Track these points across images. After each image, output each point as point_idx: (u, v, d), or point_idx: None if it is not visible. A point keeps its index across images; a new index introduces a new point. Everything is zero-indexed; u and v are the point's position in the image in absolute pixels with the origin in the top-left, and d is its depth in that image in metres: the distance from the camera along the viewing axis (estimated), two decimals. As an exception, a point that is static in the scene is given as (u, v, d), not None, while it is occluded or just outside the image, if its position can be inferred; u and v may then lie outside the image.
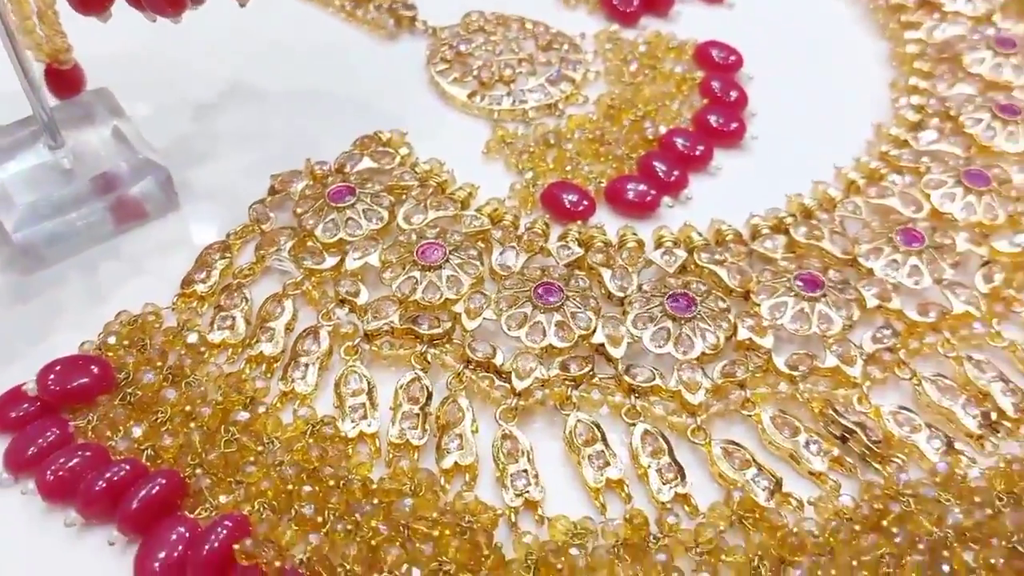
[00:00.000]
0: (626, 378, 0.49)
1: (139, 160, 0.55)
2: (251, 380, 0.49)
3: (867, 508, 0.46)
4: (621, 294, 0.53)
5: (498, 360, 0.50)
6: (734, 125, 0.62)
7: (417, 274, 0.52)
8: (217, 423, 0.48)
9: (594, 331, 0.51)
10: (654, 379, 0.49)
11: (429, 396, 0.49)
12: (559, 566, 0.43)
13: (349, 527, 0.44)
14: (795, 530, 0.45)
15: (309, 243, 0.55)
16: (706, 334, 0.51)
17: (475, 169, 0.60)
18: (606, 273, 0.53)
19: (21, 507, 0.46)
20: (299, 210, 0.56)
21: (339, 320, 0.52)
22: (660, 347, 0.50)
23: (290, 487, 0.45)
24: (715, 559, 0.44)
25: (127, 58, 0.62)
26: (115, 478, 0.45)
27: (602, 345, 0.51)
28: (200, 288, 0.53)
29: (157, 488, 0.45)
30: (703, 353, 0.50)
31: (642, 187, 0.59)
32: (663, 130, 0.62)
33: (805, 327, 0.51)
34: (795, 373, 0.50)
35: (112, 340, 0.50)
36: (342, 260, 0.54)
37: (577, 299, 0.52)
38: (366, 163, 0.59)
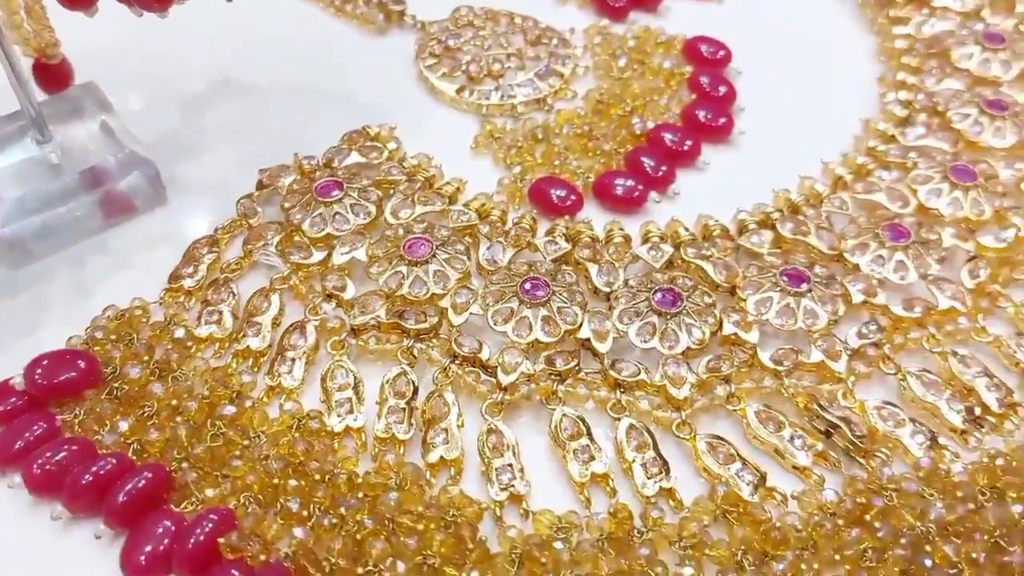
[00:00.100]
0: (612, 373, 0.50)
1: (127, 155, 0.55)
2: (238, 374, 0.49)
3: (850, 502, 0.46)
4: (608, 289, 0.53)
5: (484, 355, 0.50)
6: (722, 120, 0.62)
7: (404, 269, 0.52)
8: (203, 417, 0.48)
9: (580, 326, 0.51)
10: (639, 374, 0.50)
11: (415, 391, 0.49)
12: (543, 560, 0.43)
13: (334, 521, 0.44)
14: (778, 524, 0.45)
15: (296, 238, 0.55)
16: (692, 329, 0.51)
17: (463, 164, 0.60)
18: (593, 268, 0.54)
19: (8, 500, 0.46)
20: (287, 205, 0.56)
21: (326, 315, 0.52)
22: (646, 342, 0.50)
23: (276, 481, 0.45)
24: (699, 553, 0.44)
25: (115, 53, 0.62)
26: (101, 472, 0.45)
27: (588, 340, 0.51)
28: (187, 283, 0.53)
29: (143, 482, 0.45)
30: (688, 348, 0.50)
31: (630, 182, 0.59)
32: (651, 125, 0.62)
33: (790, 322, 0.51)
34: (780, 368, 0.50)
35: (99, 334, 0.50)
36: (329, 255, 0.54)
37: (564, 294, 0.52)
38: (354, 158, 0.59)
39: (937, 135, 0.61)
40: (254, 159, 0.59)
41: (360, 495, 0.45)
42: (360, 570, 0.43)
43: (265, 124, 0.62)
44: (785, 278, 0.52)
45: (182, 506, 0.45)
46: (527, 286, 0.52)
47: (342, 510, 0.44)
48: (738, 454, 0.47)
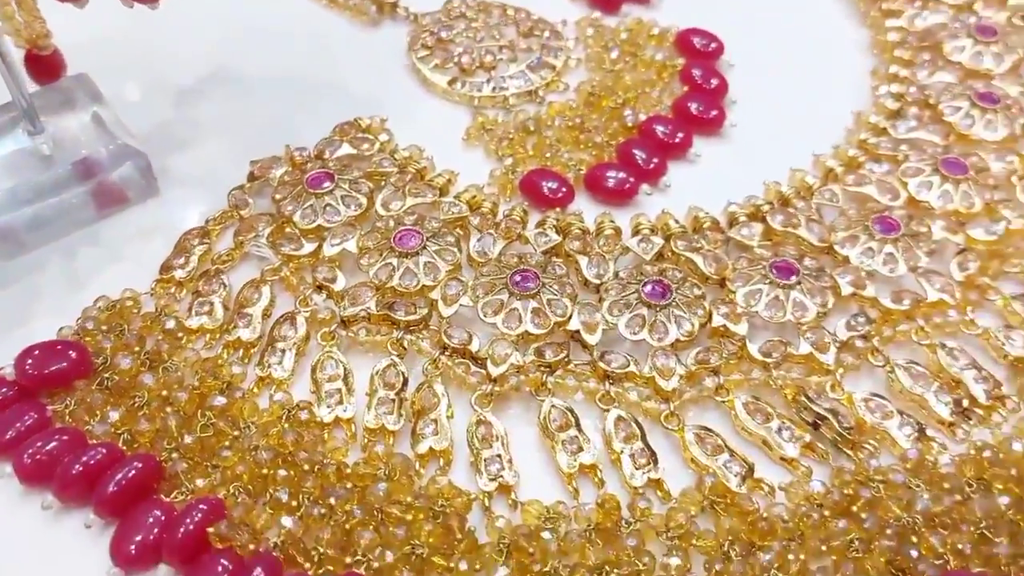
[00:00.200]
0: (601, 364, 0.50)
1: (119, 146, 0.55)
2: (228, 365, 0.50)
3: (838, 494, 0.46)
4: (598, 281, 0.53)
5: (474, 346, 0.50)
6: (714, 113, 0.62)
7: (394, 261, 0.53)
8: (194, 408, 0.48)
9: (570, 318, 0.51)
10: (628, 365, 0.50)
11: (405, 382, 0.49)
12: (531, 550, 0.44)
13: (323, 511, 0.44)
14: (765, 515, 0.45)
15: (287, 229, 0.55)
16: (681, 321, 0.51)
17: (455, 156, 0.61)
18: (583, 260, 0.54)
19: (-1, 490, 0.47)
20: (278, 196, 0.56)
21: (316, 306, 0.52)
22: (635, 334, 0.51)
23: (265, 471, 0.46)
24: (686, 543, 0.45)
25: (107, 44, 0.62)
26: (92, 462, 0.45)
27: (578, 332, 0.51)
28: (179, 274, 0.53)
29: (133, 472, 0.45)
30: (678, 340, 0.50)
31: (621, 174, 0.59)
32: (643, 117, 0.62)
33: (779, 314, 0.52)
34: (769, 360, 0.50)
35: (90, 325, 0.51)
36: (320, 246, 0.54)
37: (554, 286, 0.52)
38: (345, 149, 0.59)
39: (928, 128, 0.61)
40: (246, 150, 0.59)
41: (349, 485, 0.45)
42: (348, 560, 0.43)
43: (257, 115, 0.62)
44: (774, 270, 0.53)
45: (172, 496, 0.46)
46: (517, 278, 0.52)
47: (331, 500, 0.45)
48: (726, 445, 0.48)
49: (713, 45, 0.66)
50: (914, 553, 0.44)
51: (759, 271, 0.53)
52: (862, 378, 0.51)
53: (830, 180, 0.59)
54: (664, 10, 0.71)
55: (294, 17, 0.69)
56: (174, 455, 0.47)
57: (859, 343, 0.51)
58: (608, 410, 0.49)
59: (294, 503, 0.45)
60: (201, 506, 0.44)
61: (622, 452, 0.47)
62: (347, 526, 0.44)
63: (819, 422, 0.49)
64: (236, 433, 0.47)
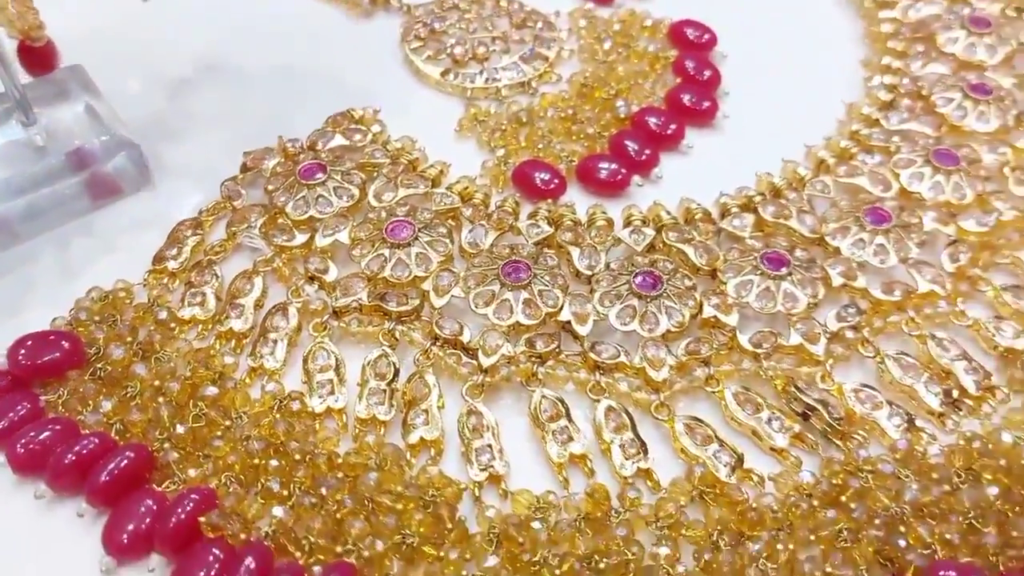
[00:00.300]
0: (592, 355, 0.50)
1: (112, 137, 0.56)
2: (220, 356, 0.50)
3: (827, 484, 0.46)
4: (589, 272, 0.53)
5: (465, 337, 0.50)
6: (706, 104, 0.63)
7: (386, 252, 0.53)
8: (186, 398, 0.48)
9: (561, 309, 0.51)
10: (619, 356, 0.50)
11: (396, 372, 0.49)
12: (521, 539, 0.44)
13: (314, 501, 0.45)
14: (755, 505, 0.45)
15: (280, 220, 0.55)
16: (672, 312, 0.51)
17: (448, 147, 0.61)
18: (575, 251, 0.54)
19: (-9, 479, 0.47)
20: (270, 187, 0.56)
21: (308, 297, 0.52)
22: (626, 325, 0.51)
23: (257, 461, 0.46)
24: (675, 533, 0.45)
25: (100, 35, 0.62)
26: (84, 451, 0.46)
27: (569, 322, 0.51)
28: (171, 265, 0.53)
29: (125, 461, 0.45)
30: (668, 331, 0.51)
31: (613, 166, 0.59)
32: (635, 108, 0.62)
33: (770, 305, 0.52)
34: (759, 351, 0.50)
35: (83, 316, 0.51)
36: (312, 237, 0.54)
37: (545, 277, 0.52)
38: (338, 140, 0.59)
39: (920, 119, 0.61)
40: (239, 142, 0.59)
41: (340, 475, 0.46)
42: (339, 549, 0.43)
43: (250, 107, 0.63)
44: (765, 262, 0.53)
45: (164, 486, 0.46)
46: (509, 269, 0.52)
47: (322, 490, 0.45)
48: (716, 435, 0.48)
49: (706, 36, 0.66)
50: (902, 543, 0.44)
51: (750, 262, 0.53)
52: (852, 369, 0.51)
53: (822, 171, 0.59)
54: (657, 1, 0.70)
55: (288, 8, 0.69)
56: (166, 445, 0.47)
57: (849, 334, 0.52)
58: (598, 400, 0.49)
59: (285, 493, 0.45)
60: (193, 496, 0.44)
61: (612, 442, 0.48)
62: (338, 516, 0.44)
63: (809, 412, 0.49)
64: (228, 423, 0.47)
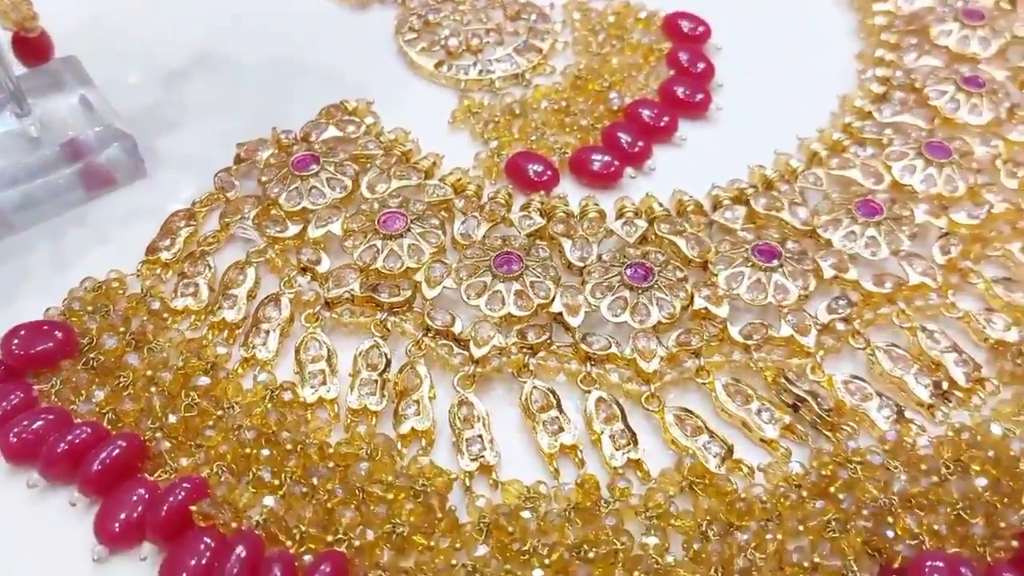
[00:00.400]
0: (583, 346, 0.50)
1: (106, 128, 0.56)
2: (212, 346, 0.50)
3: (816, 475, 0.46)
4: (581, 264, 0.53)
5: (457, 328, 0.51)
6: (700, 96, 0.63)
7: (379, 243, 0.53)
8: (178, 388, 0.48)
9: (552, 300, 0.51)
10: (610, 347, 0.50)
11: (388, 363, 0.50)
12: (511, 529, 0.44)
13: (305, 490, 0.45)
14: (744, 496, 0.45)
15: (273, 211, 0.55)
16: (663, 303, 0.51)
17: (441, 139, 0.61)
18: (567, 243, 0.54)
19: (-16, 468, 0.47)
20: (264, 178, 0.56)
21: (301, 288, 0.53)
22: (617, 316, 0.51)
23: (248, 451, 0.46)
24: (664, 523, 0.45)
25: (95, 26, 0.62)
26: (77, 441, 0.46)
27: (560, 314, 0.51)
28: (165, 255, 0.54)
29: (117, 451, 0.46)
30: (659, 322, 0.51)
31: (606, 158, 0.59)
32: (629, 101, 0.62)
33: (761, 297, 0.52)
34: (749, 342, 0.51)
35: (76, 306, 0.51)
36: (305, 228, 0.54)
37: (537, 269, 0.52)
38: (331, 132, 0.59)
39: (913, 112, 0.61)
40: (233, 133, 0.59)
41: (331, 465, 0.46)
42: (330, 538, 0.44)
43: (244, 98, 0.63)
44: (757, 254, 0.53)
45: (156, 475, 0.46)
46: (500, 260, 0.52)
47: (313, 480, 0.45)
48: (706, 426, 0.48)
49: (700, 29, 0.66)
50: (890, 534, 0.44)
51: (741, 254, 0.53)
52: (843, 360, 0.52)
53: (814, 164, 0.59)
54: (651, -7, 0.71)
55: (282, 0, 0.69)
56: (158, 434, 0.47)
57: (840, 326, 0.52)
58: (589, 391, 0.49)
59: (277, 482, 0.45)
60: (184, 485, 0.45)
61: (602, 433, 0.48)
62: (329, 505, 0.45)
63: (799, 404, 0.49)
64: (220, 413, 0.48)
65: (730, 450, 0.47)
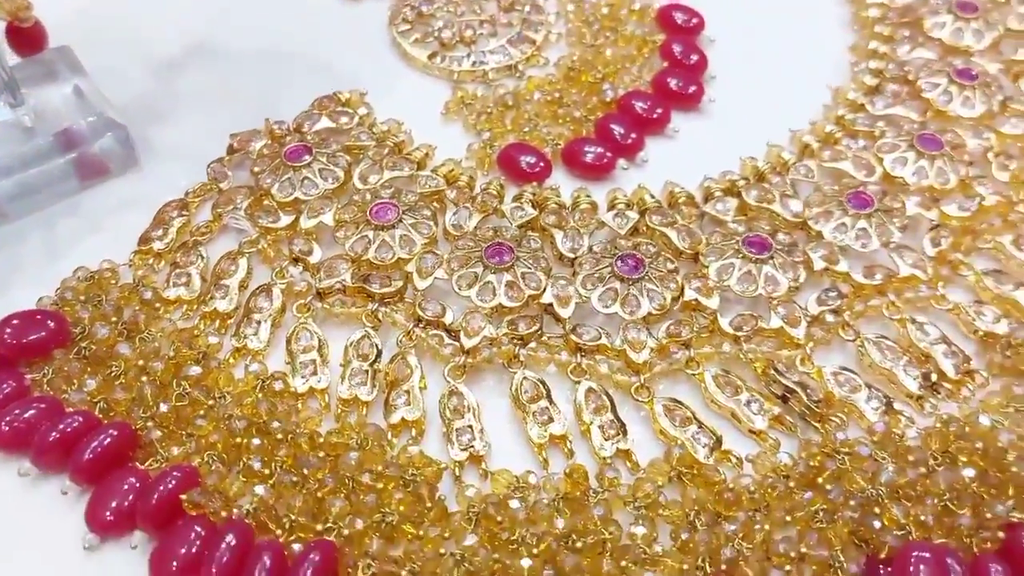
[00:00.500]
0: (573, 337, 0.50)
1: (100, 118, 0.56)
2: (204, 336, 0.50)
3: (804, 465, 0.47)
4: (572, 255, 0.53)
5: (448, 319, 0.51)
6: (693, 88, 0.63)
7: (370, 233, 0.53)
8: (169, 377, 0.49)
9: (543, 291, 0.52)
10: (600, 338, 0.50)
11: (379, 353, 0.50)
12: (500, 518, 0.44)
13: (295, 479, 0.45)
14: (732, 486, 0.46)
15: (265, 202, 0.55)
16: (653, 295, 0.51)
17: (434, 130, 0.61)
18: (558, 234, 0.54)
19: (-24, 457, 0.47)
20: (257, 169, 0.56)
21: (292, 278, 0.53)
22: (607, 307, 0.51)
23: (239, 440, 0.46)
24: (652, 513, 0.45)
25: (89, 16, 0.62)
26: (68, 429, 0.46)
27: (551, 305, 0.51)
28: (157, 245, 0.54)
29: (109, 439, 0.46)
30: (650, 313, 0.51)
31: (598, 149, 0.59)
32: (622, 92, 0.62)
33: (751, 288, 0.52)
34: (739, 334, 0.51)
35: (69, 295, 0.51)
36: (297, 219, 0.54)
37: (528, 260, 0.52)
38: (324, 123, 0.59)
39: (906, 104, 0.62)
40: (226, 123, 0.59)
41: (321, 454, 0.46)
42: (320, 527, 0.44)
43: (237, 89, 0.63)
44: (747, 245, 0.53)
45: (147, 464, 0.46)
46: (492, 251, 0.52)
47: (304, 469, 0.45)
48: (695, 417, 0.48)
49: (694, 21, 0.67)
50: (877, 524, 0.44)
51: (732, 246, 0.53)
52: (832, 352, 0.52)
53: (806, 156, 0.59)
54: (646, -15, 0.71)
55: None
56: (149, 423, 0.47)
57: (830, 317, 0.52)
58: (579, 382, 0.49)
59: (267, 471, 0.46)
60: (175, 473, 0.45)
61: (592, 423, 0.48)
62: (319, 494, 0.45)
63: (788, 395, 0.49)
64: (211, 402, 0.48)
65: (719, 440, 0.48)
